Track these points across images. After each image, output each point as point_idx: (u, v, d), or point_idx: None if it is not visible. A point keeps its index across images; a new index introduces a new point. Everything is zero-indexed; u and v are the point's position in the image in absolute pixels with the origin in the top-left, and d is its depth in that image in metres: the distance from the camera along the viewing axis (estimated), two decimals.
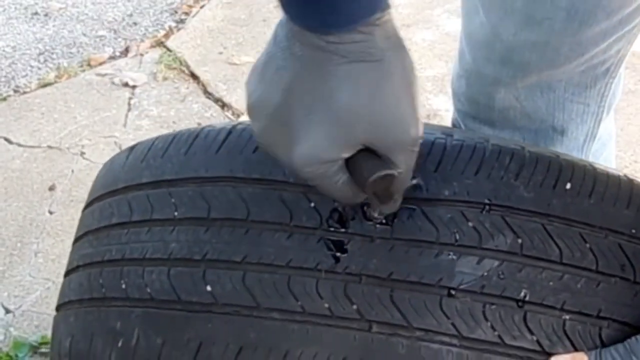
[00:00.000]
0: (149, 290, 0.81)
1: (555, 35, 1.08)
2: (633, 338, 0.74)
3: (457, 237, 0.76)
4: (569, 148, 1.26)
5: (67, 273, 0.96)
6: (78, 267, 0.93)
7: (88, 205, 0.98)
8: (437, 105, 2.80)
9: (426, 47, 3.13)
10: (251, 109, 0.73)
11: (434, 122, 2.69)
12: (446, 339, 0.73)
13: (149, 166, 0.90)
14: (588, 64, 1.14)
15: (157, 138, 0.93)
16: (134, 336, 0.80)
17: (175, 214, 0.84)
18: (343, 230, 0.77)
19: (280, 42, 0.71)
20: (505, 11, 1.10)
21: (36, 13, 3.63)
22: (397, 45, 0.71)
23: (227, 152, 0.85)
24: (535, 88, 1.18)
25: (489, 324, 0.74)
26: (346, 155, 0.70)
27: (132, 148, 0.96)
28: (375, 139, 0.69)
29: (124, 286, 0.84)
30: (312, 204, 0.79)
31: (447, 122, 2.57)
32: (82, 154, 2.68)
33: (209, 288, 0.78)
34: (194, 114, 2.86)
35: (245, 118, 2.76)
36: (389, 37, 0.69)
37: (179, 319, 0.79)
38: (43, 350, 1.98)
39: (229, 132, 0.86)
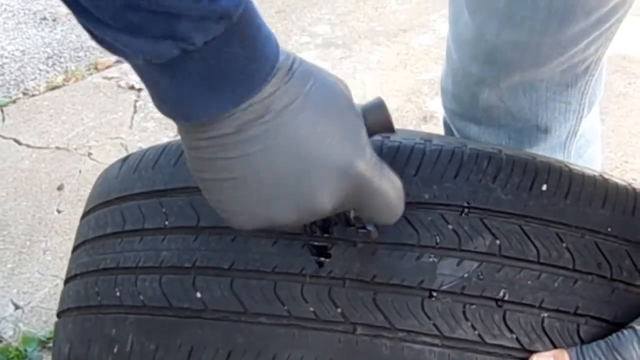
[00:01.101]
0: (142, 297, 0.81)
1: (536, 34, 1.08)
2: (614, 335, 0.74)
3: (438, 239, 0.76)
4: (552, 145, 1.27)
5: (66, 281, 0.96)
6: (76, 275, 0.93)
7: (85, 215, 0.98)
8: (432, 108, 2.80)
9: (423, 52, 3.13)
10: None
11: (430, 124, 2.71)
12: (428, 339, 0.73)
13: (140, 177, 0.90)
14: (569, 63, 1.14)
15: (149, 149, 0.93)
16: (128, 342, 0.81)
17: (166, 223, 0.84)
18: (326, 235, 0.77)
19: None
20: (488, 12, 1.10)
21: (45, 18, 3.63)
22: (293, 100, 0.62)
23: None
24: (518, 88, 1.18)
25: (469, 323, 0.73)
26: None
27: (125, 159, 0.96)
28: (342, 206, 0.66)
29: (118, 294, 0.84)
30: None
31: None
32: (90, 154, 2.68)
33: (198, 295, 0.78)
34: None
35: None
36: (276, 103, 0.61)
37: (170, 324, 0.79)
38: (51, 345, 1.98)
39: None
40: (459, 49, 1.21)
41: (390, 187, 0.68)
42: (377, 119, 0.70)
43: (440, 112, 2.72)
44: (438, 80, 2.83)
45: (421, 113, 2.77)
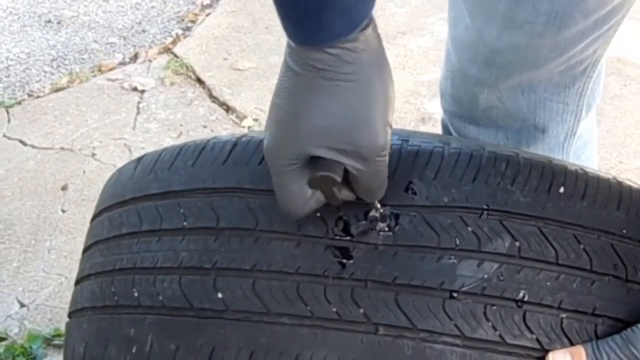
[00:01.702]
0: (161, 298, 0.81)
1: (536, 37, 1.07)
2: (629, 329, 0.73)
3: (457, 241, 0.75)
4: (550, 146, 1.26)
5: (79, 281, 0.95)
6: (89, 275, 0.92)
7: (97, 215, 0.97)
8: (431, 109, 2.80)
9: (421, 54, 3.13)
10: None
11: (429, 125, 2.70)
12: (449, 339, 0.73)
13: (156, 178, 0.89)
14: (567, 65, 1.14)
15: (164, 150, 0.92)
16: (147, 342, 0.80)
17: (185, 224, 0.83)
18: (348, 238, 0.77)
19: (284, 56, 0.73)
20: (488, 15, 1.10)
21: (49, 21, 3.62)
22: (378, 64, 0.72)
23: (234, 164, 0.84)
24: (517, 89, 1.18)
25: (490, 324, 0.73)
26: (297, 164, 0.74)
27: (139, 160, 0.95)
28: (335, 149, 0.72)
29: (136, 294, 0.83)
30: (319, 214, 0.78)
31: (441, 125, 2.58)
32: (94, 155, 2.67)
33: (220, 295, 0.78)
34: (200, 117, 2.85)
35: (248, 122, 2.76)
36: (370, 55, 0.71)
37: (191, 325, 0.78)
38: (56, 342, 1.99)
39: (235, 144, 0.86)
40: (459, 51, 1.21)
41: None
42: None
43: (438, 113, 2.72)
44: (436, 82, 2.83)
45: (419, 114, 2.77)
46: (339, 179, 0.72)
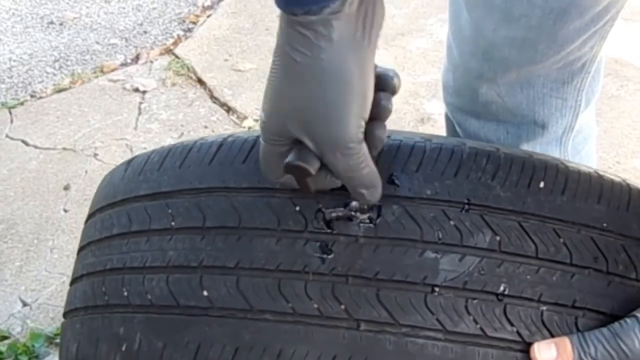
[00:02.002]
0: (149, 296, 0.81)
1: (532, 31, 1.08)
2: (617, 323, 0.73)
3: (440, 235, 0.75)
4: (549, 140, 1.26)
5: (73, 282, 0.95)
6: (82, 276, 0.92)
7: (90, 216, 0.98)
8: (430, 110, 2.80)
9: (420, 55, 3.13)
10: None
11: (427, 125, 2.71)
12: (431, 333, 0.73)
13: (146, 179, 0.89)
14: (565, 61, 1.14)
15: (153, 152, 0.92)
16: (136, 340, 0.80)
17: (172, 224, 0.83)
18: (328, 231, 0.77)
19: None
20: (486, 9, 1.10)
21: (52, 22, 3.63)
22: (358, 54, 0.70)
23: (219, 164, 0.84)
24: (516, 84, 1.18)
25: (471, 317, 0.73)
26: (280, 143, 0.74)
27: (129, 162, 0.95)
28: (307, 135, 0.71)
29: (125, 293, 0.83)
30: (297, 208, 0.78)
31: (440, 125, 2.58)
32: (96, 155, 2.68)
33: (205, 293, 0.78)
34: (201, 118, 2.86)
35: (249, 122, 2.76)
36: (347, 44, 0.69)
37: (178, 322, 0.78)
38: (58, 341, 1.98)
39: (220, 145, 0.86)
40: (459, 45, 1.21)
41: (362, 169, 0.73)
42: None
43: (437, 114, 2.75)
44: (435, 83, 2.87)
45: (419, 115, 2.77)
46: (312, 171, 0.72)
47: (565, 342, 0.73)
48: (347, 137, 0.70)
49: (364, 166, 0.72)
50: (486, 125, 1.27)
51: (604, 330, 0.73)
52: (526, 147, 1.26)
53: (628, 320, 0.73)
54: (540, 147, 1.27)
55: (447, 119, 1.39)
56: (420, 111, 2.78)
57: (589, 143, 1.39)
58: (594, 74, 1.22)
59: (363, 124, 0.71)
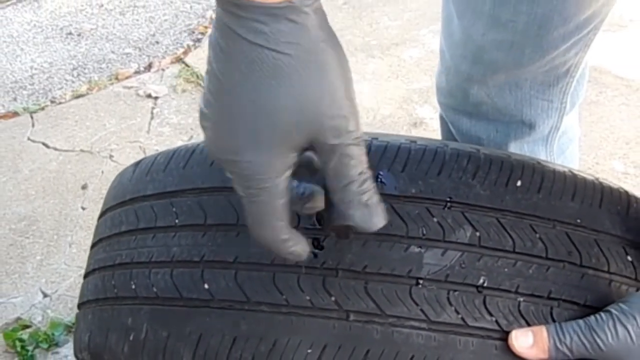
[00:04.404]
0: (155, 289, 0.81)
1: (518, 35, 1.08)
2: (592, 316, 0.73)
3: (424, 231, 0.75)
4: (535, 139, 1.26)
5: (86, 275, 0.96)
6: (94, 270, 0.92)
7: (101, 215, 0.98)
8: (422, 114, 2.80)
9: (413, 64, 3.12)
10: (200, 118, 0.64)
11: (420, 129, 2.71)
12: (416, 323, 0.73)
13: (152, 180, 0.89)
14: (550, 65, 1.14)
15: (159, 154, 0.92)
16: (143, 330, 0.80)
17: (176, 221, 0.84)
18: (319, 227, 0.76)
19: (211, 36, 0.61)
20: (475, 15, 1.10)
21: (70, 33, 3.63)
22: (331, 36, 0.61)
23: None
24: (504, 86, 1.18)
25: (453, 308, 0.73)
26: (285, 164, 0.62)
27: (137, 163, 0.95)
28: (315, 136, 0.61)
29: (133, 286, 0.83)
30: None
31: (432, 129, 2.59)
32: (111, 156, 2.68)
33: (206, 286, 0.78)
34: None
35: None
36: (321, 27, 0.60)
37: (181, 314, 0.78)
38: None
39: None
40: (450, 49, 1.21)
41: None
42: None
43: (429, 118, 2.74)
44: (427, 90, 2.88)
45: (411, 119, 2.77)
46: (322, 206, 0.68)
47: (542, 331, 0.73)
48: (356, 127, 0.62)
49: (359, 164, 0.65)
50: (477, 124, 1.27)
51: (580, 322, 0.73)
52: (514, 145, 1.26)
53: (603, 315, 0.72)
54: (528, 145, 1.27)
55: (442, 118, 1.39)
56: (413, 116, 2.78)
57: (573, 144, 1.39)
58: (579, 79, 1.21)
59: (355, 106, 0.63)
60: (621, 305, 0.72)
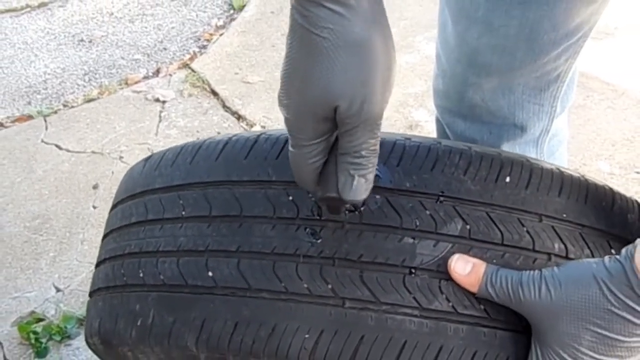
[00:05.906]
0: (162, 277, 0.82)
1: (510, 40, 1.08)
2: (526, 272, 0.73)
3: (417, 223, 0.76)
4: (527, 140, 1.27)
5: (97, 265, 0.96)
6: (105, 260, 0.93)
7: (113, 207, 0.99)
8: (417, 117, 2.80)
9: (409, 69, 3.12)
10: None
11: (415, 131, 2.71)
12: (409, 310, 0.73)
13: (161, 174, 0.90)
14: (542, 70, 1.14)
15: (168, 150, 0.93)
16: (150, 316, 0.81)
17: (183, 213, 0.84)
18: (317, 218, 0.77)
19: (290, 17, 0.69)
20: (469, 21, 1.11)
21: (82, 40, 3.63)
22: (376, 28, 0.68)
23: (225, 160, 0.85)
24: (498, 90, 1.18)
25: (444, 296, 0.74)
26: (311, 141, 0.70)
27: (147, 159, 0.96)
28: (341, 112, 0.67)
29: (141, 274, 0.84)
30: (291, 198, 0.79)
31: (427, 131, 2.59)
32: (121, 158, 2.69)
33: (210, 274, 0.79)
34: (214, 125, 2.86)
35: (257, 129, 2.77)
36: (366, 19, 0.66)
37: (186, 300, 0.79)
38: None
39: (226, 143, 0.86)
40: (446, 53, 1.21)
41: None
42: None
43: (424, 121, 2.75)
44: (422, 94, 2.88)
45: (407, 122, 2.77)
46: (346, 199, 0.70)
47: (481, 267, 0.74)
48: (377, 113, 0.68)
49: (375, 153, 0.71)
50: (472, 126, 1.27)
51: (515, 273, 0.73)
52: (507, 146, 1.26)
53: (535, 273, 0.73)
54: (520, 147, 1.27)
55: (438, 120, 1.39)
56: (409, 119, 2.79)
57: (562, 145, 1.39)
58: (569, 83, 1.22)
59: (388, 99, 0.70)
60: (554, 269, 0.72)
